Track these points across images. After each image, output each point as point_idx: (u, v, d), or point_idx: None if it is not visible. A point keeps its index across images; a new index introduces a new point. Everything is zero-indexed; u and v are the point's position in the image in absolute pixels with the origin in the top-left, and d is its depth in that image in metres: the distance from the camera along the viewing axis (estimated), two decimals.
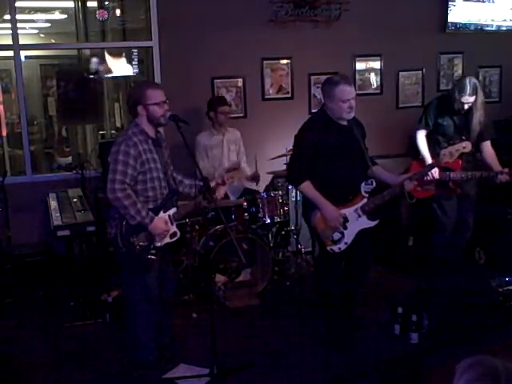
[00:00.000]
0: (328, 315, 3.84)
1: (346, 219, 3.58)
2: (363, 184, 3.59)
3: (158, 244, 3.37)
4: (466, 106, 4.42)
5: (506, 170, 4.34)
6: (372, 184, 3.60)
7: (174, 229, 3.44)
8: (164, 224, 3.35)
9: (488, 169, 4.48)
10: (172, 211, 3.41)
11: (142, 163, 3.28)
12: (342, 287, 3.71)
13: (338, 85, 3.53)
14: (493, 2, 6.50)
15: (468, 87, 4.35)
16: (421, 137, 4.65)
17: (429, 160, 4.52)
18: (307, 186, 3.58)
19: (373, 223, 3.65)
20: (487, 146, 4.58)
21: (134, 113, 3.38)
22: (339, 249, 3.60)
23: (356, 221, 3.60)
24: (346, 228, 3.58)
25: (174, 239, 3.46)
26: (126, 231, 3.30)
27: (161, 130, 3.56)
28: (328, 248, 3.61)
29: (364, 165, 3.65)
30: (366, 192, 3.60)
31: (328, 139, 3.56)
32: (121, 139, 3.29)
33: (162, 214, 3.37)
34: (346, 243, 3.59)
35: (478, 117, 4.44)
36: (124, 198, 3.20)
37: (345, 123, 3.65)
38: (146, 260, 3.34)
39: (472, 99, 4.38)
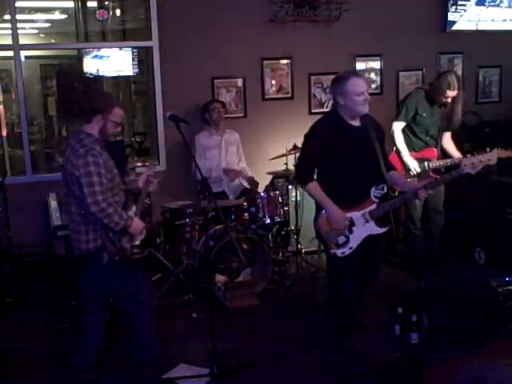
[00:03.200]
0: (332, 316, 3.78)
1: (352, 223, 3.48)
2: (373, 189, 3.47)
3: (137, 242, 3.40)
4: (450, 100, 4.62)
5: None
6: (383, 189, 3.49)
7: None
8: (141, 222, 3.38)
9: (449, 157, 4.76)
10: (133, 209, 3.42)
11: (110, 171, 3.27)
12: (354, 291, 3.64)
13: (349, 79, 3.43)
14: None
15: (455, 81, 4.54)
16: (398, 129, 4.76)
17: (405, 154, 4.70)
18: (313, 186, 3.50)
19: (381, 230, 3.55)
20: (447, 135, 4.85)
21: (87, 118, 3.29)
22: (342, 253, 3.49)
23: (363, 226, 3.49)
24: (351, 232, 3.48)
25: (143, 236, 3.48)
26: (114, 238, 3.29)
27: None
28: (331, 251, 3.53)
29: (378, 168, 3.53)
30: (375, 197, 3.48)
31: (338, 141, 3.46)
32: (82, 150, 3.18)
33: (129, 213, 3.39)
34: (350, 248, 3.49)
35: (459, 108, 4.67)
36: (108, 207, 3.17)
37: (358, 124, 3.54)
38: (134, 260, 3.37)
39: (457, 93, 4.58)
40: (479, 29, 6.43)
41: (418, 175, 4.65)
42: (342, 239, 3.49)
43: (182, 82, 5.52)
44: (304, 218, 5.11)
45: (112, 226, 3.23)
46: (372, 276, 3.76)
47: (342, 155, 3.46)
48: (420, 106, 4.70)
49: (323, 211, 3.51)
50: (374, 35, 6.04)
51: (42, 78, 7.13)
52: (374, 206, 3.49)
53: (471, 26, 6.40)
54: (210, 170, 5.07)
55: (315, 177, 3.58)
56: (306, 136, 3.62)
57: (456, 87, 4.53)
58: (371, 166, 3.52)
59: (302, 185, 3.64)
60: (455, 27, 6.32)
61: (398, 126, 4.75)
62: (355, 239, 3.50)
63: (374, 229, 3.52)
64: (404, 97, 5.05)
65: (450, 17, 6.27)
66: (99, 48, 5.75)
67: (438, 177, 4.53)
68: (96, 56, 5.68)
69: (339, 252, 3.51)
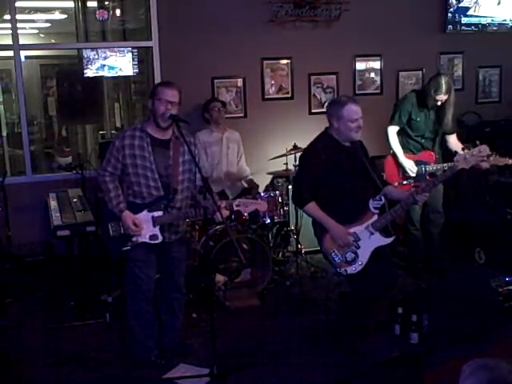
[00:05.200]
0: (344, 318, 3.75)
1: (357, 238, 3.50)
2: (371, 201, 3.50)
3: (134, 239, 3.42)
4: (439, 103, 4.60)
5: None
6: (381, 200, 3.50)
7: (154, 231, 3.43)
8: (130, 220, 3.36)
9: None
10: (156, 214, 3.41)
11: (124, 156, 3.39)
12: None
13: (345, 105, 3.52)
14: None
15: (443, 86, 4.50)
16: (392, 133, 4.77)
17: (400, 155, 4.71)
18: (312, 207, 3.54)
19: (388, 240, 3.53)
20: (453, 137, 4.81)
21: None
22: (354, 269, 3.48)
23: (369, 239, 3.49)
24: (358, 247, 3.49)
25: (154, 242, 3.44)
26: (104, 215, 3.52)
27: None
28: (342, 270, 3.52)
29: (373, 184, 3.59)
30: (375, 208, 3.51)
31: (338, 159, 3.54)
32: None
33: (145, 212, 3.40)
34: (360, 263, 3.48)
35: (450, 113, 4.65)
36: (102, 182, 3.45)
37: (349, 145, 3.63)
38: (121, 251, 3.46)
39: (445, 97, 4.55)
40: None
41: (415, 178, 4.65)
42: (350, 256, 3.50)
43: (182, 81, 5.48)
44: (304, 218, 5.10)
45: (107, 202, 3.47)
46: (391, 277, 3.67)
47: (341, 173, 3.53)
48: (414, 111, 4.70)
49: (326, 233, 3.52)
50: (374, 35, 6.04)
51: (42, 77, 7.12)
52: (375, 218, 3.51)
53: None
54: (212, 168, 5.07)
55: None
56: (303, 157, 3.69)
57: (444, 92, 4.51)
58: (368, 181, 3.58)
59: (300, 206, 3.67)
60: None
61: (391, 130, 4.77)
62: (364, 254, 3.49)
63: (381, 240, 3.52)
64: (399, 100, 5.06)
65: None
66: (99, 48, 5.73)
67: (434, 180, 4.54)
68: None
69: (350, 269, 3.50)
